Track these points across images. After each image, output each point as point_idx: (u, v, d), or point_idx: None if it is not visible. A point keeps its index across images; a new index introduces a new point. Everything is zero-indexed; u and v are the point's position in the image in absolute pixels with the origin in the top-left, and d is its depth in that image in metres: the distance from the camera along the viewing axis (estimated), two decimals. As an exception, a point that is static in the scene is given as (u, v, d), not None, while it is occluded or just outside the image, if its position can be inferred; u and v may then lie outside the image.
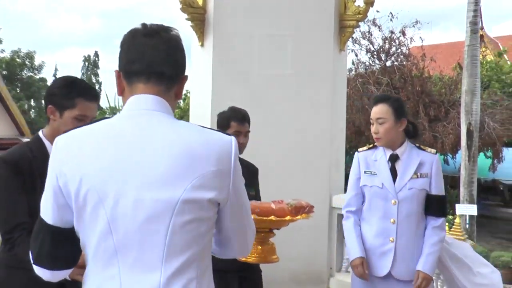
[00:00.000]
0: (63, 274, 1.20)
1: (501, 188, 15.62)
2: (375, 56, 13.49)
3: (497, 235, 13.02)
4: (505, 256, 8.07)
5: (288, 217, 2.07)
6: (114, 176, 1.07)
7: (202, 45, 3.96)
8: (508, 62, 16.98)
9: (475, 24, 8.48)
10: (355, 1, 4.14)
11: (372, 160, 2.42)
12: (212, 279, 1.19)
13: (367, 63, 13.50)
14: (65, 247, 1.15)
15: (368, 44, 13.22)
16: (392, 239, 2.31)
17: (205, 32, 3.96)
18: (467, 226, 7.20)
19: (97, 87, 41.53)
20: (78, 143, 1.13)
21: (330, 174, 4.23)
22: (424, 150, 2.40)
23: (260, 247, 2.21)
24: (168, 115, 1.17)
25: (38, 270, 1.17)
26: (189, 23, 3.89)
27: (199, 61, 4.08)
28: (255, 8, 3.91)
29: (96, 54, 41.90)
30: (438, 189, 2.31)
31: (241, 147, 2.44)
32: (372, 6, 4.08)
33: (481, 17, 9.19)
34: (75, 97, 1.80)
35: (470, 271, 2.49)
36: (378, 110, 2.36)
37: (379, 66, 13.28)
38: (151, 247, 1.07)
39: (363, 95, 12.21)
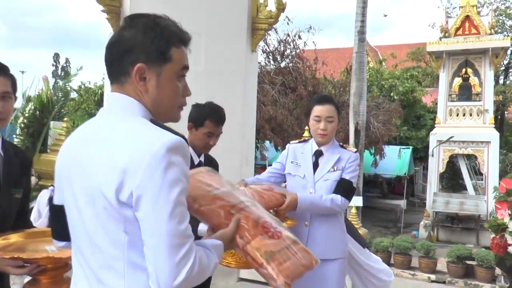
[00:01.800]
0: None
1: (380, 181, 17.49)
2: (270, 57, 14.12)
3: (377, 223, 14.55)
4: (385, 242, 9.13)
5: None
6: (66, 175, 1.19)
7: (117, 38, 3.90)
8: (387, 70, 19.05)
9: (362, 33, 9.40)
10: (267, 5, 4.40)
11: (299, 153, 2.64)
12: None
13: (262, 63, 14.06)
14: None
15: (264, 45, 13.80)
16: (306, 223, 2.53)
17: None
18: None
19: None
20: (69, 137, 1.26)
21: (241, 169, 4.42)
22: (345, 148, 2.66)
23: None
24: (120, 112, 1.15)
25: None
26: (105, 15, 3.79)
27: (113, 55, 3.99)
28: (171, 3, 3.94)
29: None
30: (347, 176, 2.54)
31: (210, 147, 2.45)
32: (283, 11, 4.37)
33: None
34: None
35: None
36: (328, 109, 2.54)
37: (274, 66, 13.92)
38: (83, 239, 1.16)
39: (258, 94, 12.70)
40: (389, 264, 8.81)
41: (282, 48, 13.83)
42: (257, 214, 1.35)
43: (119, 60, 1.14)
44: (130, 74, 1.14)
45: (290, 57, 13.83)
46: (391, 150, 15.07)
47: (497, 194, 2.73)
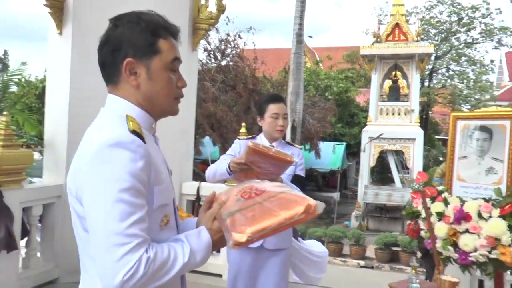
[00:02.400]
0: None
1: (316, 175, 18.23)
2: (211, 55, 14.26)
3: (312, 216, 15.18)
4: (318, 231, 9.65)
5: None
6: None
7: (60, 33, 3.87)
8: (323, 70, 19.85)
9: (300, 35, 9.83)
10: (208, 6, 4.56)
11: None
12: None
13: (204, 61, 14.16)
14: None
15: (206, 44, 13.91)
16: None
17: (64, 20, 3.87)
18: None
19: None
20: None
21: (181, 164, 4.55)
22: (292, 145, 2.82)
23: None
24: (110, 112, 1.16)
25: None
26: (48, 9, 3.76)
27: (56, 50, 3.94)
28: (113, 1, 3.97)
29: None
30: (301, 172, 2.76)
31: None
32: (223, 13, 4.56)
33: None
34: None
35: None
36: (283, 107, 2.71)
37: (215, 64, 14.08)
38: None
39: (199, 91, 12.83)
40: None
41: (223, 47, 14.03)
42: (243, 186, 1.24)
43: (110, 60, 1.15)
44: (121, 72, 1.14)
45: (230, 55, 14.05)
46: (326, 146, 15.81)
47: (414, 185, 3.03)
